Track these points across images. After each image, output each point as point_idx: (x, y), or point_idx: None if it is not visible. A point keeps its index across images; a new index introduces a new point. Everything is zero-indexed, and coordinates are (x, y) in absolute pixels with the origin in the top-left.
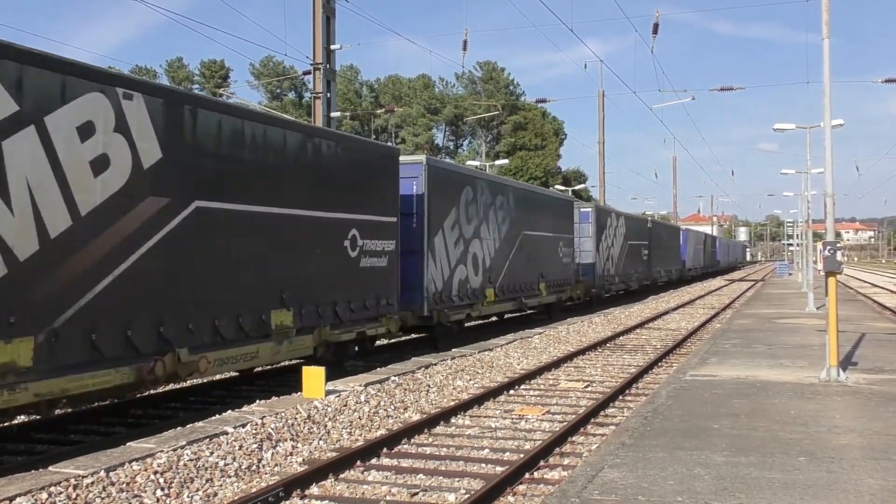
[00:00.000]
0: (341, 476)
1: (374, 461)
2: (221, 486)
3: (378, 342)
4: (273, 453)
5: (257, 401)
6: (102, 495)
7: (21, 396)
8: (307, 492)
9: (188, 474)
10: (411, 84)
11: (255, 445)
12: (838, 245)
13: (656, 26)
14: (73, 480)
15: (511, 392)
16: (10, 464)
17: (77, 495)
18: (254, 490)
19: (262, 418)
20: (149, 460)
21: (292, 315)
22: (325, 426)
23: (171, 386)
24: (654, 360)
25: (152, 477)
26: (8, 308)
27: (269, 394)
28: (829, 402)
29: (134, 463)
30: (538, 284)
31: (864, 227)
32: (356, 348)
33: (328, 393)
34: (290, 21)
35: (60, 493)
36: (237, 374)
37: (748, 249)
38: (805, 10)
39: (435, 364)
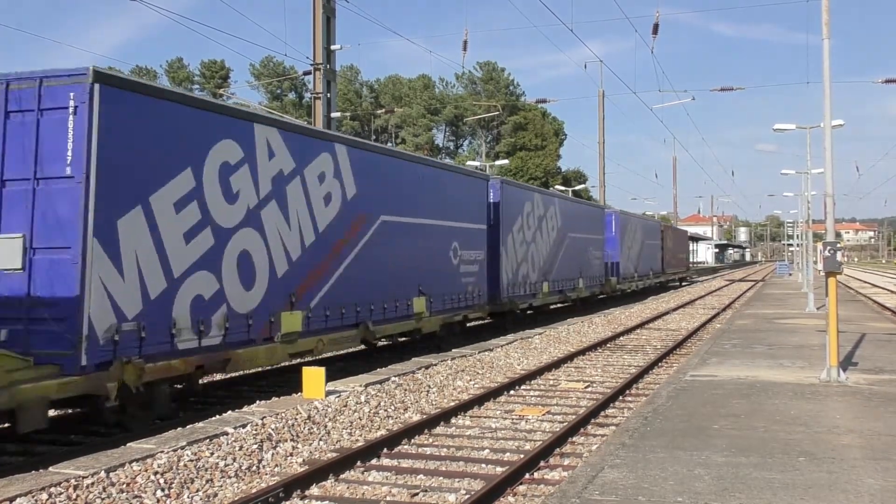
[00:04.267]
0: (341, 476)
1: (374, 461)
2: (222, 486)
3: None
4: (273, 454)
5: (257, 401)
6: (103, 496)
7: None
8: (307, 492)
9: (188, 475)
10: (411, 84)
11: (255, 446)
12: (838, 245)
13: (656, 27)
14: (73, 481)
15: (511, 392)
16: (10, 464)
17: (77, 496)
18: (254, 490)
19: (262, 419)
20: (149, 461)
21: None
22: (326, 427)
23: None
24: (655, 360)
25: (152, 477)
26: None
27: (270, 394)
28: (830, 403)
29: (134, 463)
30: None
31: (864, 228)
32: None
33: (328, 393)
34: (291, 21)
35: (61, 493)
36: (236, 374)
37: (746, 250)
38: (805, 10)
39: (435, 364)
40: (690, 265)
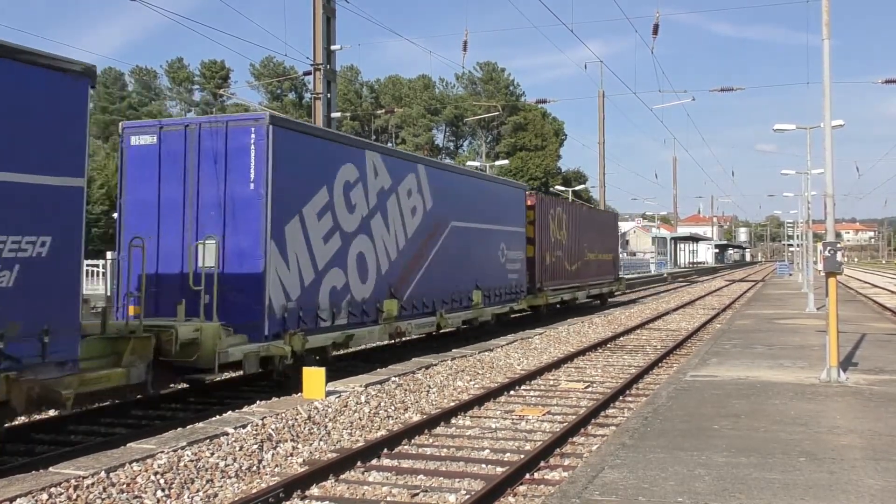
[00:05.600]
0: (342, 477)
1: (374, 462)
2: (222, 486)
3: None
4: (273, 454)
5: (258, 401)
6: (103, 496)
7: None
8: (308, 492)
9: (188, 475)
10: (411, 85)
11: (255, 446)
12: (838, 245)
13: (656, 27)
14: (73, 481)
15: (511, 393)
16: (10, 464)
17: (77, 496)
18: (254, 491)
19: (262, 419)
20: (149, 461)
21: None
22: (326, 427)
23: (172, 386)
24: (655, 360)
25: (153, 478)
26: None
27: (270, 394)
28: (830, 403)
29: (134, 464)
30: None
31: (865, 228)
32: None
33: (328, 394)
34: (291, 22)
35: (61, 493)
36: (240, 375)
37: (746, 250)
38: (805, 10)
39: (435, 365)
40: (621, 273)
